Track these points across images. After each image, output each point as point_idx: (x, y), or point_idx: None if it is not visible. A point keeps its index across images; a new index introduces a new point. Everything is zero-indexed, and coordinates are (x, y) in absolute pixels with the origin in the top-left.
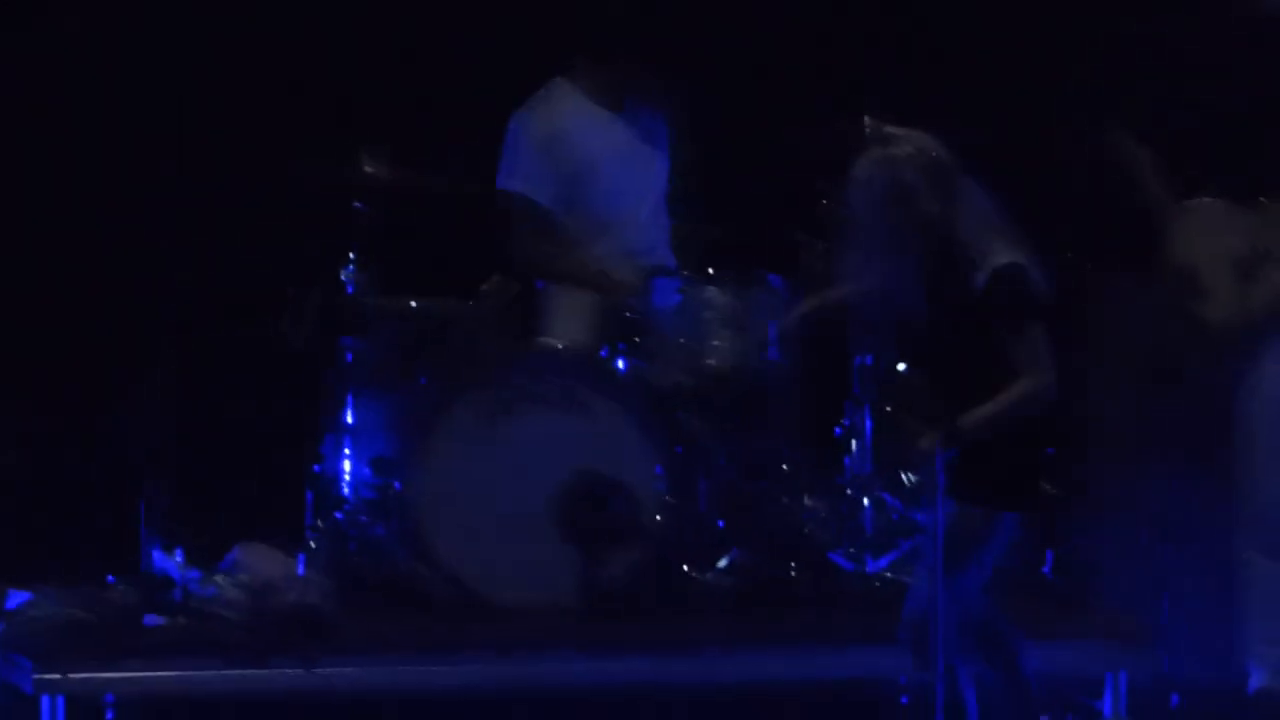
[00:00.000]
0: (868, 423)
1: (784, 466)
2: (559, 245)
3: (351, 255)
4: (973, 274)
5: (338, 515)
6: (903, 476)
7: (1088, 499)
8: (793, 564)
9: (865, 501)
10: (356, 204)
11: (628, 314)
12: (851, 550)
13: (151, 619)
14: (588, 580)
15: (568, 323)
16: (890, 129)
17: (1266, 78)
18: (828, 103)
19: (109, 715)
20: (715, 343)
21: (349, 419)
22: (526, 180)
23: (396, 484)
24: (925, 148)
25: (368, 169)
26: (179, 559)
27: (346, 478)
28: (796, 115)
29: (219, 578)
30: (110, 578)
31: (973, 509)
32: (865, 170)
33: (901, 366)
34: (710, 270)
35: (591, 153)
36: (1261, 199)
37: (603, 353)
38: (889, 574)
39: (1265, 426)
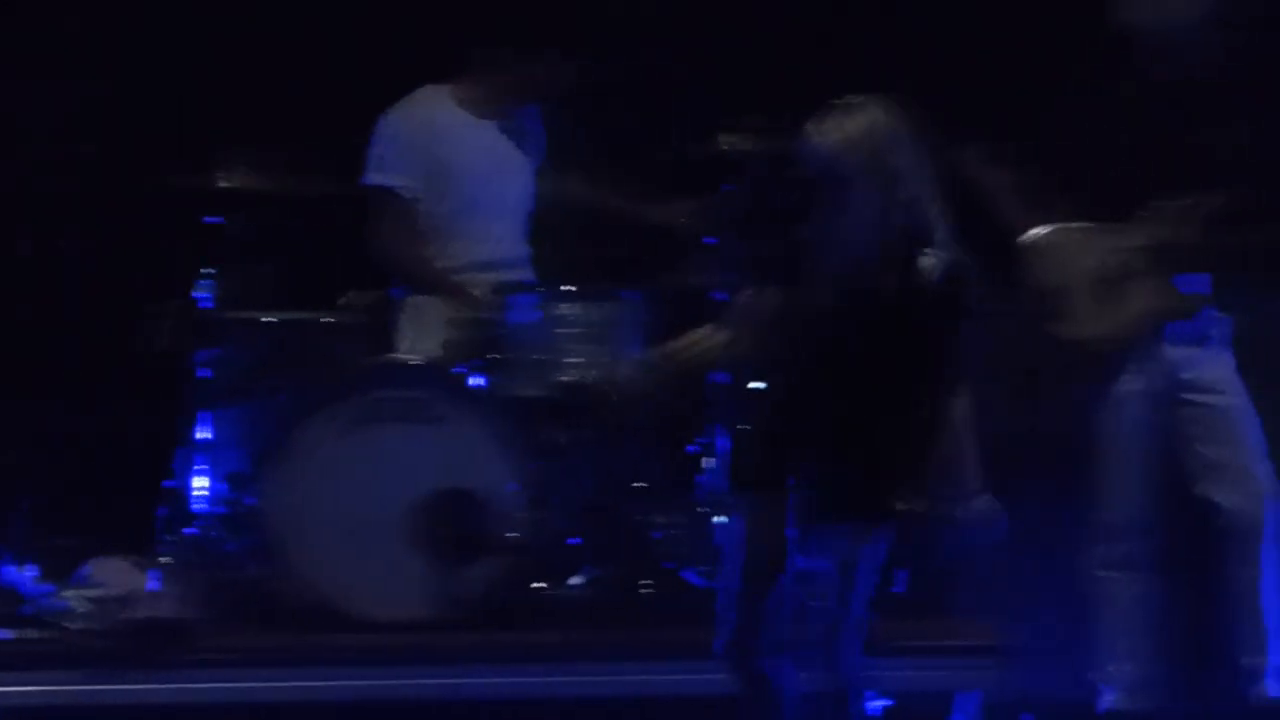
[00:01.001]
0: (722, 441)
1: (639, 483)
2: (421, 242)
3: (208, 269)
4: (917, 262)
5: (192, 530)
6: None
7: (942, 514)
8: (646, 580)
9: (718, 519)
10: (213, 217)
11: (486, 329)
12: (705, 568)
13: (1, 633)
14: (443, 593)
15: (425, 337)
16: (853, 99)
17: (1132, 103)
18: (688, 119)
19: None
20: (572, 358)
21: (204, 434)
22: (390, 173)
23: (250, 499)
24: (894, 113)
25: (223, 182)
26: (30, 573)
27: (201, 493)
28: (653, 132)
29: (71, 592)
30: None
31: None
32: (834, 132)
33: (757, 385)
34: (568, 286)
35: (453, 157)
36: (1121, 221)
37: (460, 368)
38: None
39: (1118, 444)
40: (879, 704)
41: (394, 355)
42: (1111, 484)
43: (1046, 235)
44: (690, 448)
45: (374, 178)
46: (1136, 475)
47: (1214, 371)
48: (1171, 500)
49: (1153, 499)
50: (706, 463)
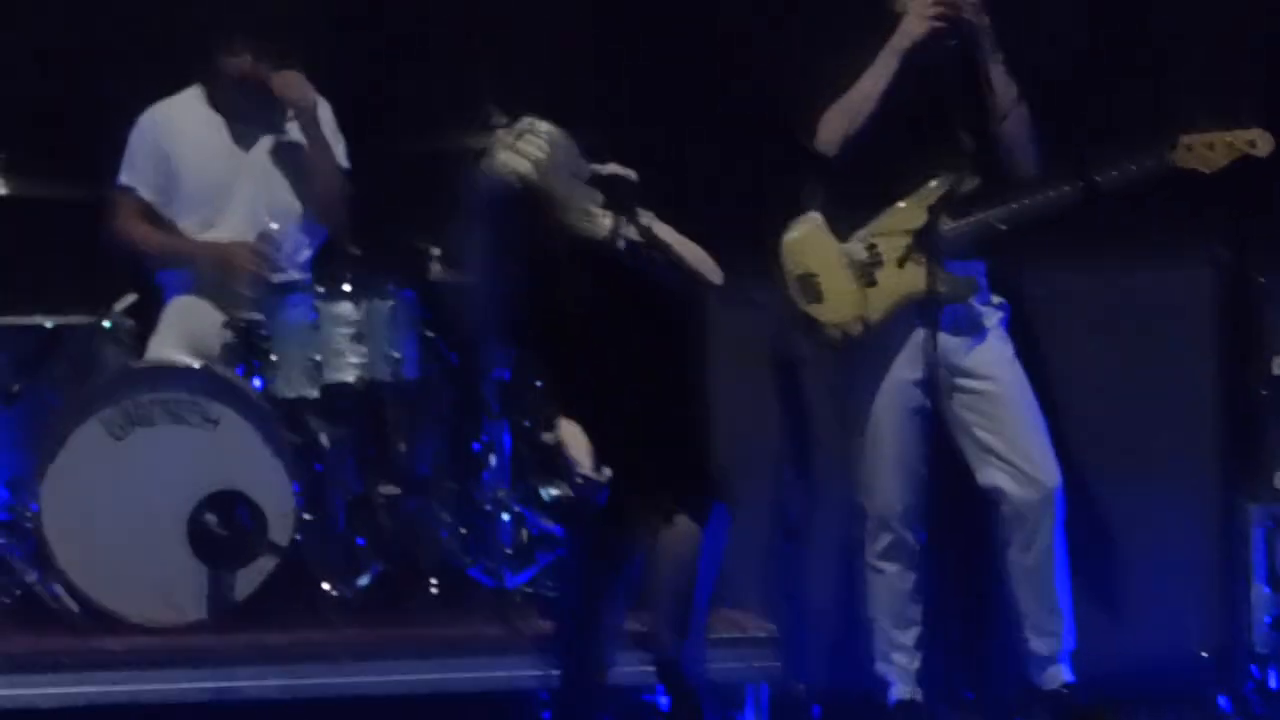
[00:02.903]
0: (505, 438)
1: (422, 482)
2: (155, 227)
3: None
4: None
5: None
6: (541, 491)
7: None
8: (433, 580)
9: (504, 516)
10: None
11: (261, 331)
12: (490, 565)
13: None
14: (219, 596)
15: (200, 340)
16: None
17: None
18: (461, 112)
19: None
20: (350, 359)
21: None
22: (127, 172)
23: (33, 505)
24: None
25: None
26: None
27: None
28: (427, 126)
29: None
30: None
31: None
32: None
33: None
34: (344, 286)
35: (201, 157)
36: (881, 207)
37: (237, 370)
38: (528, 589)
39: (887, 434)
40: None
41: (165, 358)
42: (880, 475)
43: (807, 222)
44: (474, 445)
45: (119, 178)
46: (907, 465)
47: (990, 356)
48: (951, 489)
49: (928, 488)
50: (491, 460)
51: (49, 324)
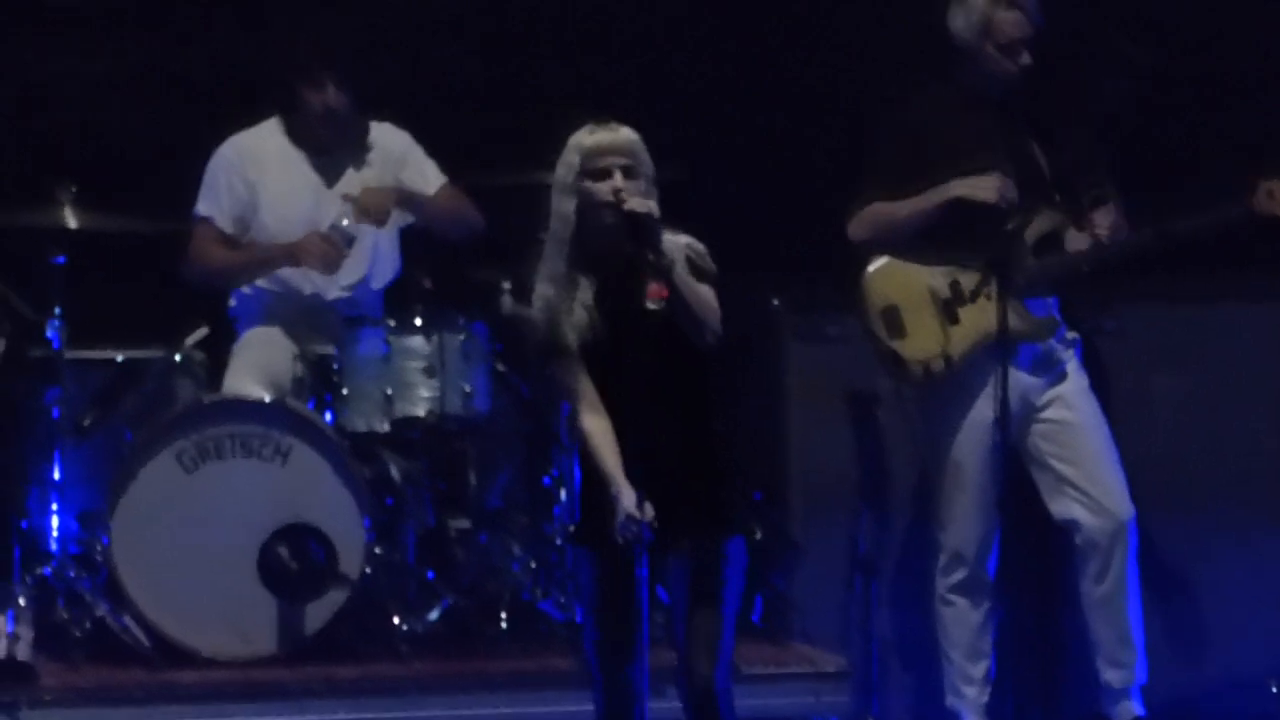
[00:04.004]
0: (576, 471)
1: (493, 516)
2: (226, 247)
3: (55, 308)
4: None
5: (45, 571)
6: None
7: (792, 541)
8: (503, 613)
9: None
10: (59, 258)
11: (333, 364)
12: (560, 599)
13: None
14: (290, 629)
15: (272, 373)
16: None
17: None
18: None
19: None
20: (422, 392)
21: (55, 473)
22: (205, 203)
23: (104, 538)
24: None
25: (71, 222)
26: None
27: (54, 532)
28: (498, 161)
29: None
30: None
31: (715, 541)
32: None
33: None
34: (416, 319)
35: (278, 189)
36: (962, 243)
37: (309, 403)
38: None
39: (964, 470)
40: None
41: (242, 391)
42: (960, 510)
43: (891, 258)
44: (545, 479)
45: (196, 208)
46: (986, 501)
47: (1067, 388)
48: (1023, 521)
49: (1002, 522)
50: (561, 494)
51: (120, 358)
